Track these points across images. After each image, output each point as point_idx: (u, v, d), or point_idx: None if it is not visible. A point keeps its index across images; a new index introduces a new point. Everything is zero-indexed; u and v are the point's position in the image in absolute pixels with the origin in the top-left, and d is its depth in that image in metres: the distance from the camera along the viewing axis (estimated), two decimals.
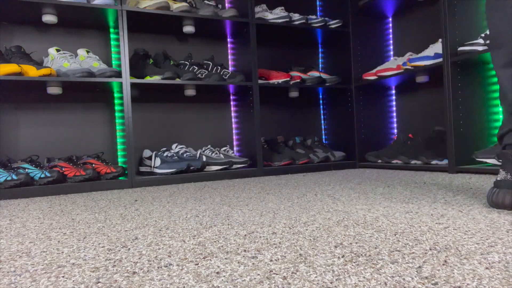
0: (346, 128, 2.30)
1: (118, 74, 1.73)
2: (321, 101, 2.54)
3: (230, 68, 2.28)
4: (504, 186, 0.82)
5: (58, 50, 1.75)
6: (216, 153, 2.00)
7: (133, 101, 2.03)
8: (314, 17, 2.23)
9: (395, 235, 0.66)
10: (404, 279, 0.46)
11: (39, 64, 1.64)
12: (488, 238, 0.62)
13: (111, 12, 1.74)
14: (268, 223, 0.81)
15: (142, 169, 1.94)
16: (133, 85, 1.80)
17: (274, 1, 2.40)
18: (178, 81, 1.84)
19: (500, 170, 0.86)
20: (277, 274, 0.50)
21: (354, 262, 0.53)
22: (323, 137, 2.54)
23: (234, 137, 2.28)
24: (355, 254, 0.57)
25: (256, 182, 1.68)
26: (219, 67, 2.05)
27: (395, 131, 2.34)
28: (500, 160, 0.89)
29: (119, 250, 0.65)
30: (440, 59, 1.77)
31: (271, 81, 2.12)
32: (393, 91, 2.34)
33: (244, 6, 2.04)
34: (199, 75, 1.97)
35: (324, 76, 2.27)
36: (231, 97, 2.27)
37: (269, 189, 1.40)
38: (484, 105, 1.74)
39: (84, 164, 1.75)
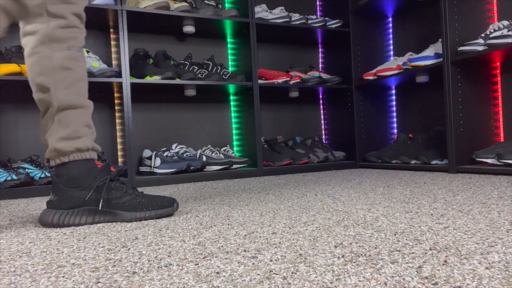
0: (346, 128, 2.30)
1: (118, 74, 1.73)
2: (321, 101, 2.54)
3: (230, 68, 2.28)
4: None
5: None
6: (216, 153, 2.00)
7: (133, 101, 2.03)
8: (314, 17, 2.23)
9: (395, 235, 0.66)
10: (404, 279, 0.46)
11: None
12: (488, 238, 0.62)
13: (111, 12, 1.74)
14: (268, 223, 0.81)
15: (142, 169, 1.94)
16: (133, 85, 1.80)
17: (274, 1, 2.40)
18: (178, 81, 1.84)
19: None
20: (277, 274, 0.50)
21: (354, 262, 0.53)
22: (323, 137, 2.54)
23: (234, 137, 2.28)
24: (355, 254, 0.57)
25: (256, 182, 1.68)
26: (219, 67, 2.05)
27: (395, 131, 2.34)
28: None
29: (119, 250, 0.65)
30: (440, 59, 1.77)
31: (271, 81, 2.12)
32: (393, 91, 2.34)
33: (244, 6, 2.04)
34: (199, 75, 1.97)
35: (324, 76, 2.27)
36: (231, 97, 2.27)
37: (269, 189, 1.40)
38: (484, 105, 1.74)
39: None
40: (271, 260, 0.55)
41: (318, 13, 2.54)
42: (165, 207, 0.93)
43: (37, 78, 0.91)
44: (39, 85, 0.91)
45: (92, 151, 0.95)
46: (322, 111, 2.54)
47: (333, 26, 2.23)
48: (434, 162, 1.83)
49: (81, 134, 0.93)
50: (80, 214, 0.89)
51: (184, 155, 1.93)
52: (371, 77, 2.15)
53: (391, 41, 2.34)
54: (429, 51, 1.84)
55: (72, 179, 0.90)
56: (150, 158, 1.91)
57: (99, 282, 0.50)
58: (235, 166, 1.97)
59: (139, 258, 0.60)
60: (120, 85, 1.75)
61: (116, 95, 1.98)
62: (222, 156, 2.00)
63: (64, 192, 0.90)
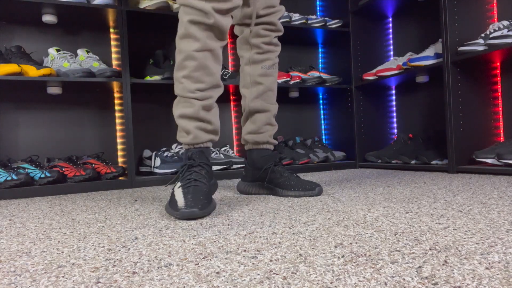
0: (346, 128, 2.30)
1: (118, 74, 1.73)
2: (321, 101, 2.54)
3: (230, 68, 2.28)
4: None
5: (58, 50, 1.75)
6: (216, 153, 2.00)
7: (133, 101, 2.03)
8: (314, 17, 2.23)
9: (395, 235, 0.66)
10: (404, 279, 0.46)
11: (39, 64, 1.64)
12: (488, 238, 0.62)
13: (111, 12, 1.74)
14: (268, 223, 0.81)
15: (142, 169, 1.94)
16: (133, 85, 1.80)
17: None
18: None
19: None
20: (277, 274, 0.50)
21: (354, 262, 0.53)
22: (323, 137, 2.54)
23: (234, 137, 2.28)
24: (355, 254, 0.57)
25: None
26: None
27: (395, 131, 2.34)
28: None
29: (119, 250, 0.65)
30: (440, 59, 1.77)
31: None
32: (393, 91, 2.34)
33: None
34: None
35: (324, 76, 2.27)
36: (231, 97, 2.27)
37: None
38: (484, 105, 1.74)
39: (84, 164, 1.75)
40: (271, 260, 0.55)
41: (318, 13, 2.54)
42: (308, 190, 1.15)
43: (241, 89, 1.29)
44: (242, 94, 1.29)
45: (267, 144, 1.28)
46: (322, 111, 2.54)
47: (333, 26, 2.23)
48: (434, 162, 1.83)
49: (263, 131, 1.27)
50: (253, 187, 1.27)
51: None
52: (371, 77, 2.15)
53: (391, 41, 2.34)
54: (429, 51, 1.84)
55: (252, 161, 1.27)
56: (150, 158, 1.91)
57: (99, 282, 0.50)
58: (235, 166, 1.97)
59: (139, 258, 0.60)
60: (120, 85, 1.75)
61: (116, 95, 1.98)
62: (222, 156, 2.00)
63: (247, 170, 1.29)
